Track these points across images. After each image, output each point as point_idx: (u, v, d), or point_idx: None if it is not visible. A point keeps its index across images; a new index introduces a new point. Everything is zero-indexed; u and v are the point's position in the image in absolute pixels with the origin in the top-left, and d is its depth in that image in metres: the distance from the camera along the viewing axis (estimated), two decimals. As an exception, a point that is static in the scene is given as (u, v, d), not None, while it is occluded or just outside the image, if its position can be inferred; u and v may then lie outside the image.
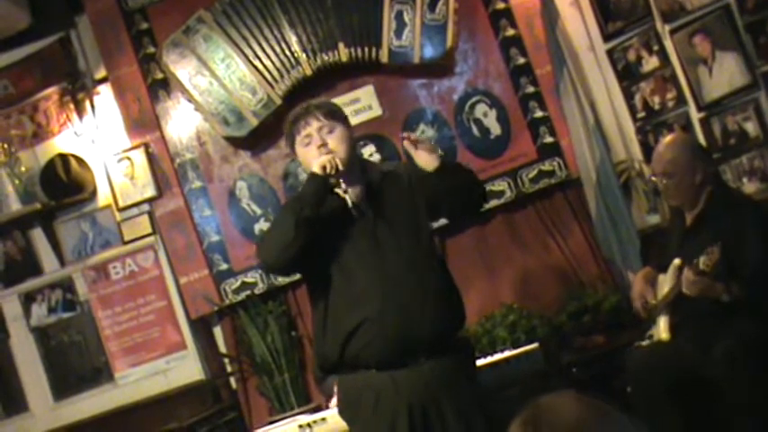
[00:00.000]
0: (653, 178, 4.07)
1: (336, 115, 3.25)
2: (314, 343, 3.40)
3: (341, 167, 3.10)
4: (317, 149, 3.16)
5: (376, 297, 3.09)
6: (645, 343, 4.01)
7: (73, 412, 5.61)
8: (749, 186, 4.73)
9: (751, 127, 4.71)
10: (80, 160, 5.56)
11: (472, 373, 3.31)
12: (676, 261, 3.72)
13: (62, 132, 5.62)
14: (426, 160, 3.14)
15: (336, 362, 3.18)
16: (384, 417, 3.09)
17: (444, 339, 3.17)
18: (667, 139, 4.09)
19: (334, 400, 4.28)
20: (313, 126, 3.19)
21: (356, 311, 3.11)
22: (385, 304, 3.08)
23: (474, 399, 3.16)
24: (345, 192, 3.16)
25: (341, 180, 3.14)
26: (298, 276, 5.23)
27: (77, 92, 5.57)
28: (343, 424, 3.34)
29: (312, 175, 3.12)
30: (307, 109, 3.24)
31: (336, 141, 3.18)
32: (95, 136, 5.56)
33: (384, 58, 5.16)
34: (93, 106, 5.56)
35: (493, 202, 5.18)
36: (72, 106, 5.58)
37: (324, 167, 3.09)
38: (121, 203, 5.52)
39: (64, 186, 5.54)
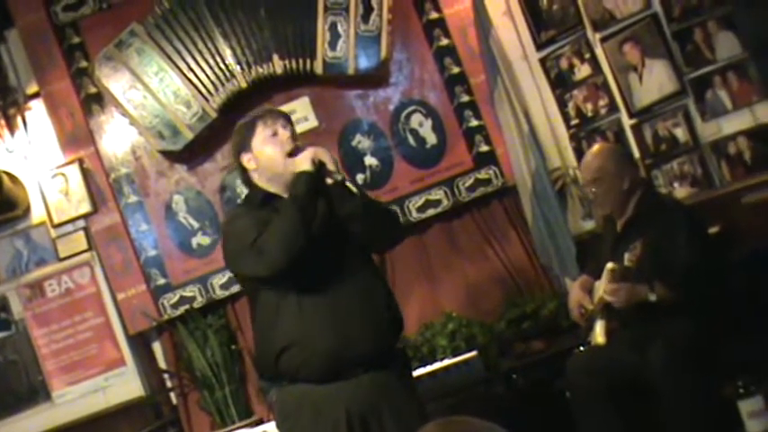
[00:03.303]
0: (583, 189, 4.12)
1: (292, 124, 3.23)
2: (254, 351, 3.34)
3: (329, 163, 3.02)
4: (287, 140, 3.09)
5: (318, 311, 3.05)
6: (583, 349, 4.06)
7: (10, 433, 5.52)
8: (680, 191, 4.81)
9: (681, 132, 4.79)
10: (12, 177, 5.46)
11: (410, 383, 3.31)
12: (609, 265, 3.77)
13: (-7, 149, 5.54)
14: None
15: (273, 373, 3.14)
16: (324, 428, 3.06)
17: (383, 353, 3.16)
18: (594, 148, 4.16)
19: None
20: (280, 121, 3.14)
21: (295, 325, 3.06)
22: (325, 318, 3.05)
23: (413, 409, 3.15)
24: (345, 180, 3.05)
25: (334, 172, 3.03)
26: (236, 290, 5.25)
27: (8, 107, 5.48)
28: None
29: (302, 174, 3.01)
30: (278, 111, 3.24)
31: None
32: (28, 152, 5.48)
33: (319, 69, 5.17)
34: (24, 122, 5.48)
35: (430, 212, 5.23)
36: (3, 122, 5.48)
37: (312, 161, 3.01)
38: (56, 220, 5.44)
39: (-4, 204, 5.44)
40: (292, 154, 3.09)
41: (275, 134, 3.12)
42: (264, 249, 2.98)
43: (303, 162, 3.03)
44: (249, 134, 3.15)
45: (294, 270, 2.98)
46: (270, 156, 3.12)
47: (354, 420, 3.06)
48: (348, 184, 3.05)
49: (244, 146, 3.17)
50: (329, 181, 3.05)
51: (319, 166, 3.02)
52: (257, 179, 3.18)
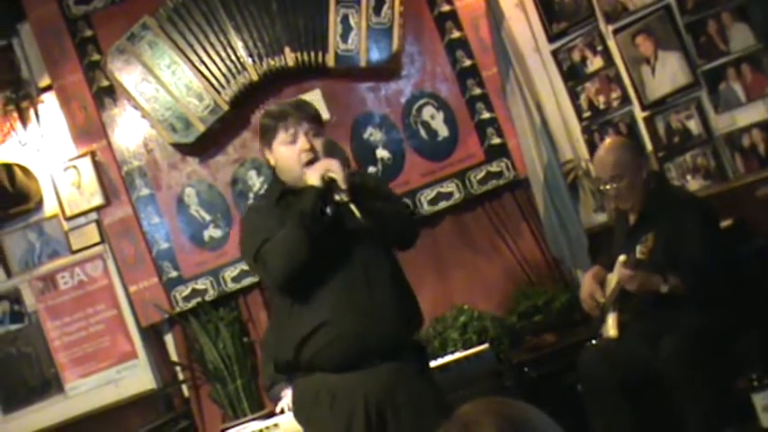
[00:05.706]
0: (602, 187, 4.05)
1: (320, 121, 3.22)
2: (268, 344, 3.33)
3: (339, 181, 2.99)
4: (304, 152, 3.08)
5: (337, 300, 3.07)
6: (595, 342, 4.05)
7: (23, 425, 5.53)
8: (693, 183, 4.79)
9: (693, 125, 4.77)
10: (25, 170, 5.48)
11: (427, 374, 3.31)
12: (621, 257, 3.76)
13: (6, 142, 5.53)
14: None
15: (291, 364, 3.15)
16: (340, 416, 3.06)
17: (400, 343, 3.17)
18: (605, 144, 4.12)
19: (279, 405, 4.28)
20: (303, 127, 3.11)
21: (315, 314, 3.07)
22: (344, 307, 3.06)
23: (430, 401, 3.14)
24: (350, 201, 3.00)
25: (342, 190, 2.99)
26: (248, 282, 5.26)
27: (21, 100, 5.49)
28: (295, 429, 3.32)
29: (311, 189, 3.00)
30: (297, 106, 3.19)
31: (321, 146, 3.13)
32: (40, 145, 5.50)
33: (331, 62, 5.16)
34: (37, 115, 5.50)
35: (442, 204, 5.23)
36: (16, 115, 5.50)
37: (322, 177, 2.99)
38: (69, 213, 5.45)
39: (9, 197, 5.43)
40: (309, 163, 3.08)
41: (294, 141, 3.11)
42: (267, 262, 3.06)
43: (313, 177, 3.01)
44: (270, 135, 3.16)
45: (304, 276, 3.03)
46: (287, 160, 3.13)
47: (371, 409, 3.06)
48: (352, 207, 2.98)
49: (265, 142, 3.19)
50: (336, 198, 3.01)
51: (329, 182, 2.99)
52: (278, 172, 3.21)
